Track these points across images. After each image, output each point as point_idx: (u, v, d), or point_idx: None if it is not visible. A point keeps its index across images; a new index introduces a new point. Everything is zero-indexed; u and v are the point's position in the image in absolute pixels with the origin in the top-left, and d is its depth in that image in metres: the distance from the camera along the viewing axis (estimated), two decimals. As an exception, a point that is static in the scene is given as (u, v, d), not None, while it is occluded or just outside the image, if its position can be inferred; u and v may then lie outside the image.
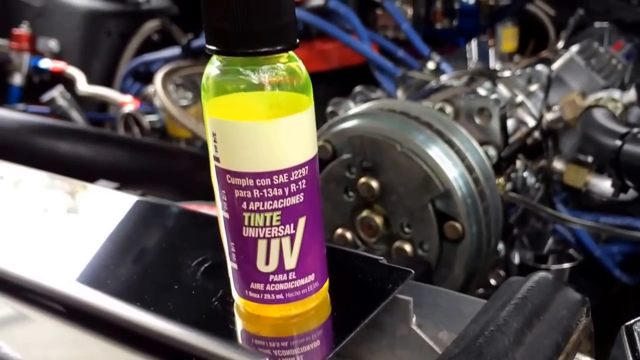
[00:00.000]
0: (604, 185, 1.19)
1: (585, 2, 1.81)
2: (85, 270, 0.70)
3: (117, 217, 0.81)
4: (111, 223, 0.80)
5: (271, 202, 0.54)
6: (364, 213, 1.03)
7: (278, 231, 0.55)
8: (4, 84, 2.27)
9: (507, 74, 1.32)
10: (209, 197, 0.70)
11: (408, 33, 1.74)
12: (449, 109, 1.09)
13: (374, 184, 1.00)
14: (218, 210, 0.58)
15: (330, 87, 1.49)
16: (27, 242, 0.78)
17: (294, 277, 0.57)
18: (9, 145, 1.35)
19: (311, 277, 0.58)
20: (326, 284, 0.61)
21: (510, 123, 1.17)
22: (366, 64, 1.69)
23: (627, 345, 0.55)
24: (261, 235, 0.55)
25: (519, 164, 1.15)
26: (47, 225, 0.83)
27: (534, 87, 1.29)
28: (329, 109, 1.16)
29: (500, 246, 1.09)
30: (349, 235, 1.06)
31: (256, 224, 0.55)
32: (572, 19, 1.84)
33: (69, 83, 2.07)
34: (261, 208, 0.54)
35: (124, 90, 2.10)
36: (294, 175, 0.54)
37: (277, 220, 0.55)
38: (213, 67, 0.54)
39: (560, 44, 1.77)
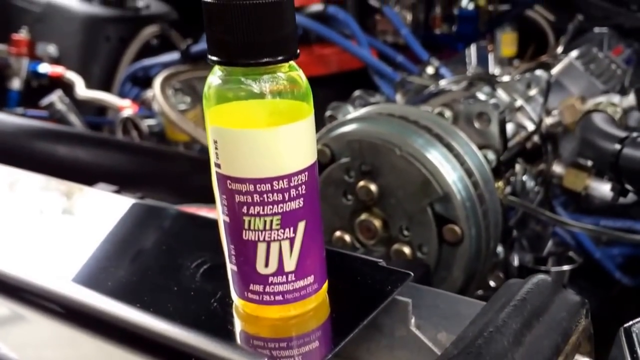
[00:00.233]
0: (603, 188, 1.19)
1: (584, 7, 1.81)
2: (86, 272, 0.70)
3: (116, 220, 0.81)
4: (111, 225, 0.80)
5: (271, 207, 0.55)
6: (363, 216, 1.03)
7: (278, 234, 0.56)
8: (3, 88, 2.27)
9: (506, 78, 1.32)
10: (207, 200, 0.70)
11: (407, 38, 1.74)
12: (448, 113, 1.09)
13: (373, 187, 1.00)
14: (218, 214, 0.58)
15: (329, 91, 1.49)
16: (27, 244, 0.78)
17: (293, 279, 0.57)
18: (8, 149, 1.35)
19: (310, 279, 0.58)
20: (325, 286, 0.61)
21: (510, 127, 1.17)
22: (365, 68, 1.69)
23: (625, 347, 0.55)
24: (261, 239, 0.56)
25: (518, 167, 1.15)
26: (48, 228, 0.84)
27: (533, 92, 1.29)
28: (328, 113, 1.16)
29: (500, 249, 1.09)
30: (347, 237, 1.06)
31: (256, 228, 0.55)
32: (572, 24, 1.84)
33: (67, 88, 2.07)
34: (261, 212, 0.55)
35: (122, 94, 2.10)
36: (294, 181, 0.55)
37: (277, 224, 0.55)
38: (215, 77, 0.55)
39: (560, 49, 1.77)
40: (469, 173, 0.99)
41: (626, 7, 1.70)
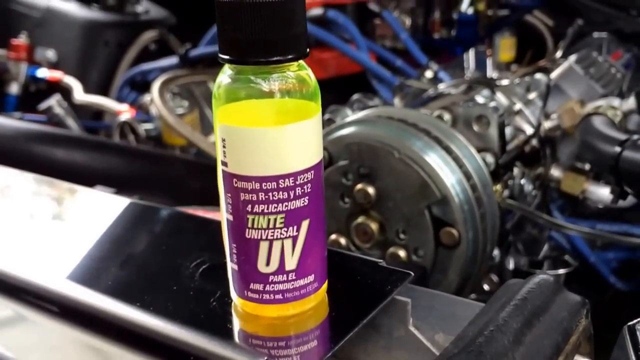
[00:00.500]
0: (601, 192, 1.19)
1: (584, 12, 1.81)
2: (85, 271, 0.70)
3: (116, 220, 0.82)
4: (111, 225, 0.80)
5: (276, 205, 0.55)
6: (360, 219, 1.03)
7: (281, 233, 0.56)
8: (1, 92, 2.27)
9: (505, 82, 1.32)
10: (203, 203, 0.70)
11: (406, 43, 1.74)
12: (447, 117, 1.09)
13: (371, 190, 1.00)
14: (222, 212, 0.58)
15: (327, 95, 1.49)
16: (26, 244, 0.78)
17: (294, 277, 0.57)
18: (6, 152, 1.36)
19: (311, 278, 0.58)
20: (325, 285, 0.60)
21: (508, 131, 1.17)
22: (364, 72, 1.69)
23: (629, 345, 0.55)
24: (264, 237, 0.56)
25: (516, 171, 1.15)
26: (48, 228, 0.84)
27: (532, 96, 1.29)
28: (326, 116, 1.16)
29: (495, 252, 1.09)
30: (343, 240, 1.05)
31: (259, 226, 0.55)
32: (571, 29, 1.84)
33: (65, 92, 2.07)
34: (265, 211, 0.55)
35: (120, 99, 2.10)
36: (300, 179, 0.55)
37: (281, 223, 0.55)
38: (225, 76, 0.55)
39: (559, 54, 1.77)
40: (467, 176, 0.99)
41: (626, 12, 1.70)
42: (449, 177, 0.97)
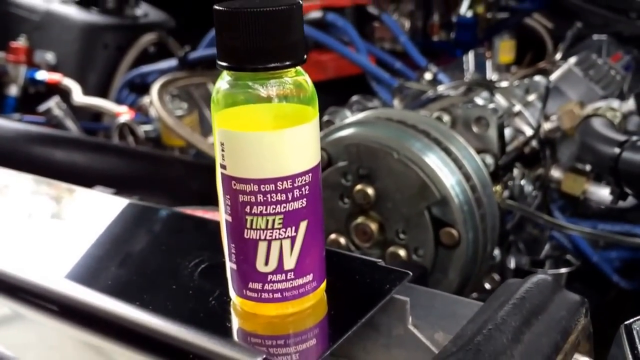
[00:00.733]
0: (601, 193, 1.19)
1: (583, 15, 1.81)
2: (85, 271, 0.70)
3: (116, 220, 0.82)
4: (110, 225, 0.80)
5: (274, 207, 0.55)
6: (359, 219, 1.03)
7: (279, 233, 0.56)
8: (0, 94, 2.27)
9: (504, 84, 1.32)
10: (202, 203, 0.70)
11: (405, 45, 1.74)
12: (446, 118, 1.09)
13: (370, 191, 1.00)
14: (221, 213, 0.58)
15: (327, 97, 1.49)
16: (27, 245, 0.78)
17: (293, 277, 0.57)
18: (6, 154, 1.36)
19: (309, 277, 0.58)
20: (324, 284, 0.61)
21: (508, 132, 1.17)
22: (363, 74, 1.69)
23: (626, 344, 0.55)
24: (262, 238, 0.56)
25: (516, 172, 1.15)
26: (48, 228, 0.84)
27: (531, 97, 1.29)
28: (325, 118, 1.16)
29: (496, 252, 1.09)
30: (342, 240, 1.06)
31: (258, 227, 0.56)
32: (570, 31, 1.84)
33: (64, 94, 2.07)
34: (264, 212, 0.55)
35: (119, 101, 2.10)
36: (298, 181, 0.55)
37: (279, 224, 0.56)
38: (223, 82, 0.56)
39: (558, 56, 1.77)
40: (466, 177, 0.99)
41: (625, 15, 1.70)
42: (449, 178, 0.98)
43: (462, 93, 1.24)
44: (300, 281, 0.58)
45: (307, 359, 0.55)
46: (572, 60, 1.51)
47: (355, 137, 1.03)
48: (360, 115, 1.11)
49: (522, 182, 1.16)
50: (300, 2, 0.54)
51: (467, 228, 0.97)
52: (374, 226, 1.02)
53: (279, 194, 0.55)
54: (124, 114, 1.89)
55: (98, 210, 0.87)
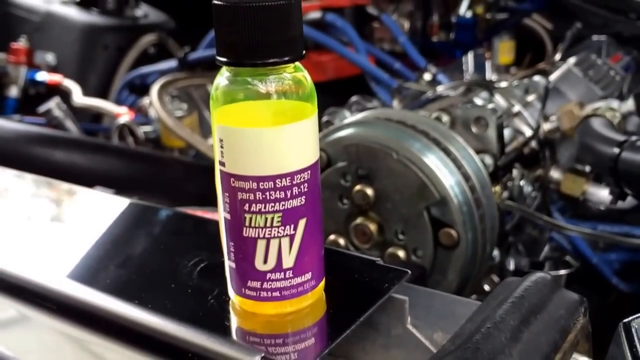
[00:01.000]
0: (601, 194, 1.19)
1: (583, 16, 1.81)
2: (85, 270, 0.71)
3: (115, 220, 0.82)
4: (110, 225, 0.80)
5: (273, 204, 0.55)
6: (358, 220, 1.03)
7: (278, 232, 0.56)
8: (1, 95, 2.27)
9: (504, 84, 1.32)
10: (201, 204, 0.70)
11: (405, 46, 1.74)
12: (445, 118, 1.09)
13: (369, 191, 1.00)
14: (219, 211, 0.58)
15: (326, 98, 1.50)
16: (27, 244, 0.78)
17: (291, 275, 0.57)
18: (7, 154, 1.36)
19: (308, 276, 0.58)
20: (322, 283, 0.61)
21: (507, 132, 1.17)
22: (362, 75, 1.69)
23: (625, 342, 0.55)
24: (261, 236, 0.56)
25: (515, 172, 1.15)
26: (48, 227, 0.84)
27: (531, 98, 1.29)
28: (325, 118, 1.16)
29: (495, 252, 1.09)
30: (341, 241, 1.06)
31: (257, 225, 0.56)
32: (570, 32, 1.84)
33: (64, 95, 2.07)
34: (263, 210, 0.55)
35: (119, 101, 2.10)
36: (297, 179, 0.55)
37: (278, 222, 0.56)
38: (222, 78, 0.56)
39: (558, 57, 1.77)
40: (466, 177, 0.99)
41: (625, 15, 1.70)
42: (448, 178, 0.98)
43: (461, 93, 1.24)
44: (298, 280, 0.58)
45: (306, 358, 0.55)
46: (572, 60, 1.51)
47: (354, 138, 1.03)
48: (360, 116, 1.11)
49: (522, 182, 1.16)
50: None
51: (466, 229, 0.97)
52: (373, 227, 1.02)
53: (277, 192, 0.55)
54: (124, 114, 1.90)
55: (98, 209, 0.87)
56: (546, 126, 1.25)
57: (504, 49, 1.86)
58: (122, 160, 1.45)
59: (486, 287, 1.09)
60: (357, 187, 1.01)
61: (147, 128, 1.84)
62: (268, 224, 0.55)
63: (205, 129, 1.85)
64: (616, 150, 1.01)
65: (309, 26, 1.71)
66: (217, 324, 0.58)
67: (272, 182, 0.54)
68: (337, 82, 1.78)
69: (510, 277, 0.62)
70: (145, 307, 0.59)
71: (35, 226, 0.84)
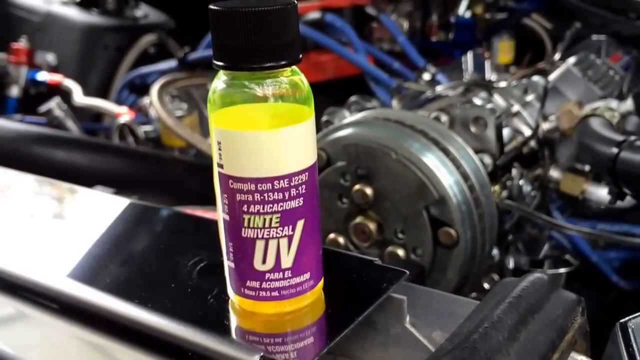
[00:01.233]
0: (600, 193, 1.19)
1: (582, 15, 1.81)
2: (85, 269, 0.71)
3: (116, 220, 0.82)
4: (110, 225, 0.81)
5: (271, 205, 0.56)
6: (358, 219, 1.03)
7: (277, 232, 0.56)
8: (1, 95, 2.27)
9: (503, 84, 1.32)
10: (201, 203, 0.70)
11: (404, 45, 1.75)
12: (444, 118, 1.09)
13: (369, 191, 1.01)
14: (218, 212, 0.59)
15: (325, 97, 1.50)
16: (28, 244, 0.79)
17: (290, 275, 0.58)
18: (7, 154, 1.36)
19: (307, 276, 0.59)
20: (321, 283, 0.61)
21: (506, 132, 1.17)
22: (361, 74, 1.69)
23: (621, 342, 0.55)
24: (259, 236, 0.56)
25: (514, 172, 1.15)
26: (49, 227, 0.85)
27: (530, 97, 1.29)
28: (324, 118, 1.16)
29: (495, 251, 1.09)
30: (341, 240, 1.06)
31: (255, 226, 0.56)
32: (569, 31, 1.84)
33: (65, 95, 2.08)
34: (261, 211, 0.56)
35: (119, 101, 2.10)
36: (295, 180, 0.56)
37: (276, 222, 0.56)
38: (220, 82, 0.56)
39: (557, 56, 1.77)
40: (465, 177, 0.99)
41: (624, 15, 1.70)
42: (447, 177, 0.98)
43: (460, 93, 1.25)
44: (297, 279, 0.58)
45: (305, 357, 0.55)
46: (571, 60, 1.51)
47: (353, 137, 1.03)
48: (359, 116, 1.11)
49: (521, 182, 1.16)
50: (295, 1, 0.55)
51: (465, 227, 0.97)
52: (372, 226, 1.02)
53: (275, 193, 0.55)
54: (124, 114, 1.90)
55: (98, 209, 0.87)
56: (545, 126, 1.25)
57: (504, 49, 1.86)
58: (123, 159, 1.45)
59: (486, 286, 1.09)
60: (357, 187, 1.01)
61: (147, 128, 1.84)
62: (266, 225, 0.56)
63: (205, 129, 1.85)
64: (615, 150, 1.01)
65: (308, 26, 1.71)
66: (217, 323, 0.58)
67: (270, 184, 0.55)
68: (337, 82, 1.78)
69: (508, 277, 0.62)
70: (145, 307, 0.60)
71: (36, 226, 0.84)
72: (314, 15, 1.79)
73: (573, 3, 1.70)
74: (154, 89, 1.79)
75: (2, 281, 0.68)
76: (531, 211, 1.13)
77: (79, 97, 2.07)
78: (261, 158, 0.54)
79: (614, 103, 1.23)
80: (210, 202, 0.66)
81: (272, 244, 0.56)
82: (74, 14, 2.31)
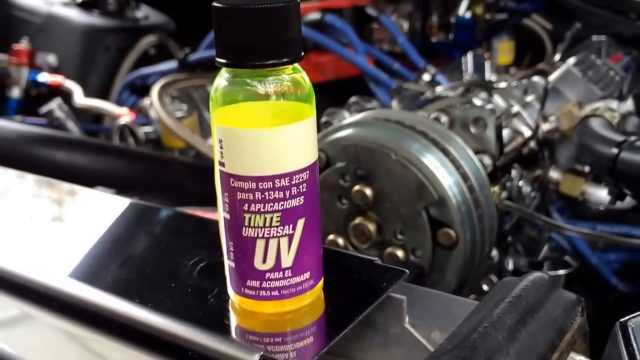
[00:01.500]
0: (600, 194, 1.19)
1: (582, 16, 1.81)
2: (86, 269, 0.71)
3: (116, 220, 0.82)
4: (111, 225, 0.81)
5: (272, 204, 0.56)
6: (357, 220, 1.03)
7: (277, 231, 0.56)
8: (2, 96, 2.28)
9: (503, 85, 1.33)
10: (201, 204, 0.70)
11: (404, 46, 1.75)
12: (444, 119, 1.09)
13: (368, 191, 1.00)
14: (219, 211, 0.59)
15: (325, 98, 1.50)
16: (29, 244, 0.79)
17: (290, 274, 0.58)
18: (8, 154, 1.36)
19: (307, 275, 0.59)
20: (321, 282, 0.61)
21: (506, 133, 1.17)
22: (361, 75, 1.69)
23: (621, 342, 0.55)
24: (260, 235, 0.56)
25: (514, 173, 1.15)
26: (49, 227, 0.85)
27: (530, 98, 1.29)
28: (324, 119, 1.16)
29: (494, 252, 1.09)
30: (340, 241, 1.06)
31: (256, 225, 0.56)
32: (570, 32, 1.84)
33: (66, 96, 2.08)
34: (262, 209, 0.56)
35: (120, 102, 2.11)
36: (295, 179, 0.56)
37: (277, 221, 0.56)
38: (222, 79, 0.56)
39: (557, 57, 1.77)
40: (464, 177, 0.99)
41: (625, 16, 1.70)
42: (446, 178, 0.98)
43: (460, 94, 1.25)
44: (297, 279, 0.58)
45: (305, 357, 0.55)
46: (571, 61, 1.51)
47: (353, 138, 1.03)
48: (359, 116, 1.11)
49: (521, 183, 1.16)
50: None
51: (464, 228, 0.97)
52: (372, 227, 1.02)
53: (276, 192, 0.55)
54: (125, 115, 1.90)
55: (98, 209, 0.88)
56: (545, 126, 1.25)
57: (504, 50, 1.86)
58: (123, 160, 1.46)
59: (485, 287, 1.09)
60: (356, 187, 1.01)
61: (147, 129, 1.85)
62: (267, 224, 0.56)
63: (205, 130, 1.85)
64: (615, 150, 1.01)
65: (308, 27, 1.71)
66: (217, 323, 0.58)
67: (271, 182, 0.55)
68: (337, 83, 1.78)
69: (508, 277, 0.62)
70: (146, 306, 0.60)
71: (37, 226, 0.84)
72: (314, 15, 1.79)
73: (573, 3, 1.70)
74: (155, 90, 1.79)
75: (4, 281, 0.68)
76: (531, 212, 1.13)
77: (80, 98, 2.07)
78: (262, 156, 0.54)
79: (614, 103, 1.23)
80: (210, 203, 0.66)
81: (273, 243, 0.56)
82: (75, 15, 2.32)
